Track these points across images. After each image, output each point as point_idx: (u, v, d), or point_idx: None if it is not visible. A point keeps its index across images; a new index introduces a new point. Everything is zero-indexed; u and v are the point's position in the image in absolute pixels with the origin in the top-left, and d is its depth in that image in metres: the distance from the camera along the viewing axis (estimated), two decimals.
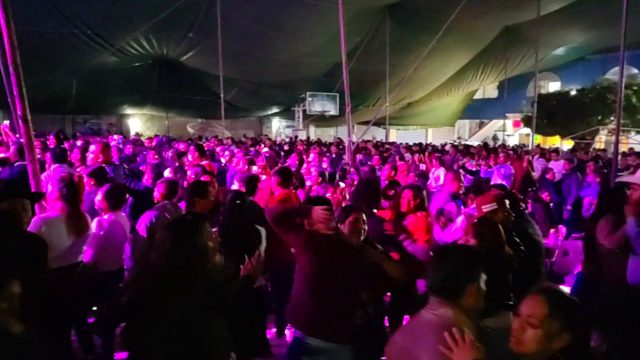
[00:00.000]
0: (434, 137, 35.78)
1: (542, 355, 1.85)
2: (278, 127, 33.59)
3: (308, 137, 27.25)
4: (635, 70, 27.15)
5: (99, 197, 4.78)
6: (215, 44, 15.25)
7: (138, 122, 28.71)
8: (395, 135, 34.39)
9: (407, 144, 21.99)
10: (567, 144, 24.22)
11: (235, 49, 18.39)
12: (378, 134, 29.32)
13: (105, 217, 4.69)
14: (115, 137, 16.91)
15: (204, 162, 8.00)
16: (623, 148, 20.18)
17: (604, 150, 20.27)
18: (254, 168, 8.39)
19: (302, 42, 20.36)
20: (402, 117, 31.11)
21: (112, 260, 4.72)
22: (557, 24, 21.63)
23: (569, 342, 1.83)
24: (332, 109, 25.90)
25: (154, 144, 14.92)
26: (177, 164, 8.25)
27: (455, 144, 24.29)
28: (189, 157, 8.83)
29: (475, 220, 3.85)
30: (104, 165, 6.12)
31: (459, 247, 2.97)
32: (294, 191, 6.05)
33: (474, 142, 30.44)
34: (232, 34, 17.16)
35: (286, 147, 16.94)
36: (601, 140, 24.03)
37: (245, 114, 29.20)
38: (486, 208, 3.93)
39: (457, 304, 2.16)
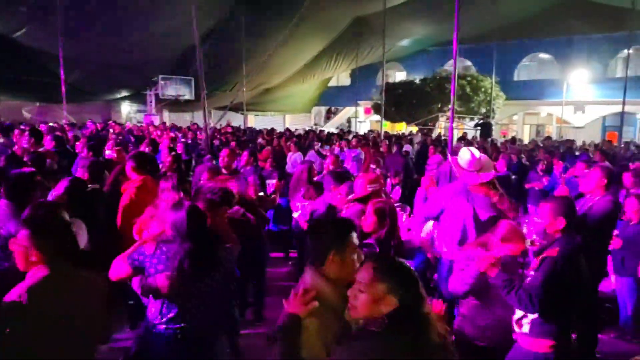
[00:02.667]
0: (291, 123, 36.37)
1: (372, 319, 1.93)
2: (128, 112, 31.68)
3: (164, 123, 26.09)
4: (469, 63, 30.05)
5: None
6: (52, 20, 13.89)
7: None
8: (254, 121, 34.33)
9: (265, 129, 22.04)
10: (412, 130, 26.14)
11: (76, 26, 16.89)
12: (236, 120, 29.02)
13: None
14: None
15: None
16: (459, 133, 22.28)
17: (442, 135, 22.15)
18: (107, 152, 7.85)
19: (153, 22, 19.35)
20: (259, 103, 31.14)
21: None
22: (402, 17, 23.07)
23: (396, 305, 1.89)
24: (186, 93, 25.07)
25: None
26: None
27: (312, 129, 24.96)
28: (25, 143, 7.96)
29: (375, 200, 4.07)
30: None
31: (328, 220, 3.11)
32: (150, 177, 5.73)
33: (329, 128, 31.49)
34: (72, 9, 15.72)
35: (138, 133, 16.04)
36: (441, 126, 26.21)
37: (91, 98, 27.06)
38: (372, 187, 4.21)
39: (321, 271, 2.27)
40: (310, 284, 2.22)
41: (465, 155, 4.66)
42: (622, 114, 15.65)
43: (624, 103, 15.12)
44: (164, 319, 3.03)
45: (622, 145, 16.47)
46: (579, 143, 20.86)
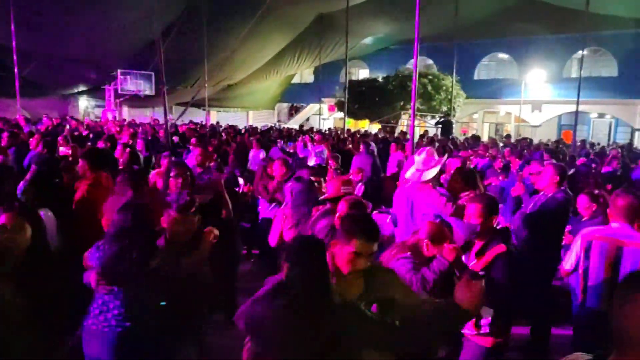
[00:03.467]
0: (254, 119, 36.16)
1: None
2: (86, 107, 30.87)
3: (123, 119, 25.52)
4: (431, 61, 30.46)
5: None
6: (6, 10, 13.40)
7: None
8: (216, 117, 33.98)
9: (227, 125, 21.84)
10: (375, 127, 26.35)
11: (31, 17, 16.33)
12: (198, 116, 28.65)
13: None
14: None
15: None
16: (420, 131, 22.57)
17: (405, 133, 22.39)
18: (62, 149, 7.62)
19: (112, 15, 18.87)
20: (222, 99, 30.84)
21: None
22: (365, 15, 23.22)
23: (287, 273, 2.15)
24: (147, 89, 24.58)
25: None
26: None
27: (276, 126, 24.88)
28: None
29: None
30: None
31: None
32: (104, 174, 5.58)
33: (293, 125, 31.45)
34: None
35: (97, 129, 15.63)
36: (403, 123, 26.50)
37: (47, 92, 26.23)
38: (345, 189, 4.43)
39: None
40: None
41: (419, 154, 4.75)
42: (576, 113, 16.15)
43: (577, 102, 15.62)
44: (101, 317, 3.01)
45: (579, 144, 16.93)
46: (535, 141, 21.45)
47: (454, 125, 22.85)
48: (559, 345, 4.97)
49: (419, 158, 4.74)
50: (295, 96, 37.30)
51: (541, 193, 4.97)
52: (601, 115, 28.40)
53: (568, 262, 3.90)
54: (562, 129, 28.92)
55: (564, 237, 5.11)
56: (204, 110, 25.11)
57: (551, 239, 4.94)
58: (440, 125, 21.51)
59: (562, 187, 4.85)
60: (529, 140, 18.61)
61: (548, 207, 4.82)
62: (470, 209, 3.45)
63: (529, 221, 4.97)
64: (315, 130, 21.94)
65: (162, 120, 15.58)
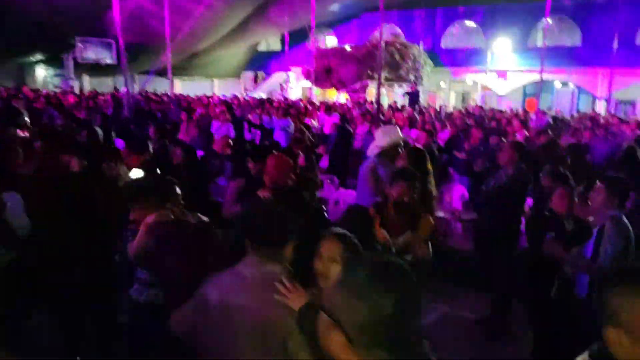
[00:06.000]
0: (220, 88, 35.46)
1: None
2: (44, 77, 29.72)
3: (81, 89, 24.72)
4: (399, 30, 30.27)
5: None
6: None
7: None
8: (180, 86, 33.19)
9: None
10: (343, 97, 26.19)
11: None
12: (161, 85, 27.91)
13: None
14: None
15: None
16: (389, 100, 22.58)
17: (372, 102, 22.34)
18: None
19: None
20: (186, 67, 30.10)
21: None
22: None
23: None
24: (107, 57, 23.77)
25: None
26: None
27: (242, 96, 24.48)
28: None
29: None
30: None
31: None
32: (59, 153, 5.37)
33: (260, 93, 31.00)
34: None
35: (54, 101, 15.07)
36: (372, 93, 26.42)
37: (2, 61, 25.11)
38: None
39: (279, 256, 2.16)
40: (278, 275, 2.18)
41: (380, 129, 4.77)
42: (540, 82, 16.34)
43: (542, 71, 15.81)
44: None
45: (534, 116, 16.81)
46: (503, 108, 21.74)
47: (421, 95, 22.90)
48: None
49: (379, 133, 4.73)
50: (261, 64, 36.63)
51: (502, 170, 5.03)
52: (565, 84, 28.83)
53: None
54: (527, 97, 29.29)
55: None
56: (168, 79, 24.41)
57: (511, 214, 5.02)
58: (408, 95, 21.53)
59: (521, 164, 4.90)
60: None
61: (508, 183, 4.90)
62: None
63: (490, 197, 5.05)
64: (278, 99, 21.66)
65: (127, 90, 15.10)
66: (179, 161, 5.76)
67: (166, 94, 22.43)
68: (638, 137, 9.55)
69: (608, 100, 23.80)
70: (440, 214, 6.91)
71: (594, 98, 26.65)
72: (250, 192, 3.91)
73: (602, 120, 15.26)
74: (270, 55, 35.72)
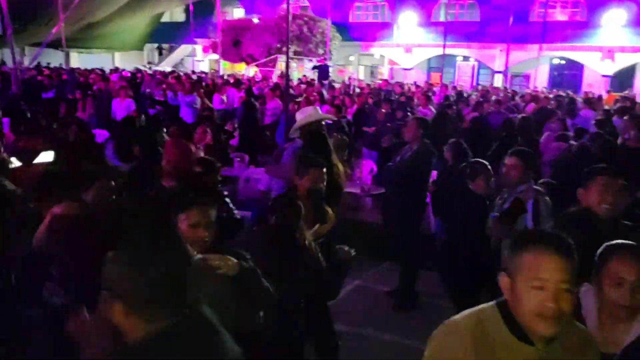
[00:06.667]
0: (122, 61, 33.56)
1: None
2: None
3: None
4: (307, 2, 30.07)
5: None
6: None
7: None
8: (78, 59, 31.02)
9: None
10: (252, 70, 25.70)
11: None
12: (56, 58, 25.93)
13: None
14: None
15: None
16: (299, 74, 22.47)
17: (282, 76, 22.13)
18: None
19: None
20: (83, 39, 28.01)
21: None
22: None
23: None
24: None
25: None
26: None
27: (145, 69, 23.32)
28: None
29: None
30: None
31: None
32: None
33: (165, 67, 29.73)
34: None
35: None
36: (281, 67, 26.15)
37: None
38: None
39: None
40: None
41: (302, 112, 4.70)
42: (443, 57, 16.96)
43: (444, 46, 16.41)
44: None
45: (437, 89, 17.26)
46: (409, 81, 22.39)
47: (330, 69, 22.97)
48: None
49: (301, 115, 4.64)
50: (165, 36, 35.02)
51: (407, 145, 5.14)
52: (466, 59, 30.12)
53: None
54: (431, 72, 30.36)
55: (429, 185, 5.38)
56: (62, 51, 22.70)
57: (416, 189, 5.15)
58: (317, 70, 21.51)
59: (426, 140, 5.03)
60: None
61: (413, 158, 5.01)
62: None
63: (397, 172, 5.16)
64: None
65: (10, 64, 13.83)
66: (73, 139, 5.38)
67: (61, 68, 20.95)
68: (535, 111, 10.21)
69: (505, 74, 25.29)
70: (351, 189, 7.00)
71: (493, 72, 28.11)
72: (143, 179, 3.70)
73: (501, 94, 16.12)
74: (175, 27, 34.25)
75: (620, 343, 1.83)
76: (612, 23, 25.27)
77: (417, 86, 18.92)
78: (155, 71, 21.74)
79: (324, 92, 13.18)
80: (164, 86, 13.51)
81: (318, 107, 4.96)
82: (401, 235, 5.27)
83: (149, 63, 33.56)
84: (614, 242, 1.96)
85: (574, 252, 1.49)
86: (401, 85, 19.21)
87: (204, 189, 3.35)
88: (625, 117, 7.26)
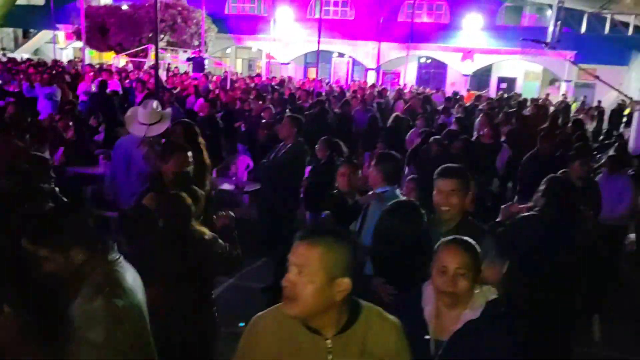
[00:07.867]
0: None
1: None
2: None
3: None
4: None
5: None
6: None
7: None
8: None
9: None
10: (122, 60, 24.25)
11: None
12: None
13: None
14: None
15: None
16: (173, 66, 21.64)
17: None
18: None
19: None
20: None
21: None
22: None
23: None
24: None
25: None
26: None
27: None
28: None
29: None
30: None
31: None
32: None
33: (22, 54, 27.10)
34: None
35: None
36: (154, 57, 24.92)
37: None
38: None
39: None
40: None
41: (145, 107, 4.47)
42: (317, 52, 17.26)
43: (319, 42, 16.70)
44: None
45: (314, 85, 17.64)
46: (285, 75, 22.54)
47: (206, 62, 22.42)
48: None
49: (144, 111, 4.42)
50: (22, 20, 31.89)
51: (281, 143, 5.19)
52: (341, 55, 30.96)
53: None
54: (308, 67, 30.82)
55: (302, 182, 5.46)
56: None
57: (290, 185, 5.22)
58: (191, 62, 20.88)
59: (299, 138, 5.10)
60: None
61: (287, 156, 5.07)
62: None
63: (272, 168, 5.18)
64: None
65: None
66: None
67: None
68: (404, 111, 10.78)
69: (377, 71, 26.48)
70: (226, 186, 6.90)
71: (366, 69, 29.25)
72: None
73: (371, 91, 16.78)
74: (33, 10, 31.34)
75: (451, 330, 1.99)
76: (472, 26, 27.49)
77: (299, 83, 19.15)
78: (10, 59, 19.73)
79: (209, 86, 12.87)
80: (21, 76, 12.38)
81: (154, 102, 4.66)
82: (274, 230, 5.30)
83: (3, 49, 30.38)
84: (449, 237, 2.10)
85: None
86: (282, 81, 19.34)
87: (30, 187, 3.13)
88: (480, 116, 7.94)
